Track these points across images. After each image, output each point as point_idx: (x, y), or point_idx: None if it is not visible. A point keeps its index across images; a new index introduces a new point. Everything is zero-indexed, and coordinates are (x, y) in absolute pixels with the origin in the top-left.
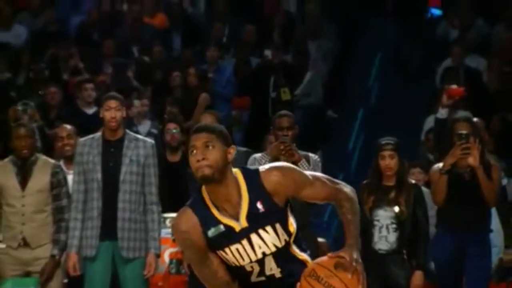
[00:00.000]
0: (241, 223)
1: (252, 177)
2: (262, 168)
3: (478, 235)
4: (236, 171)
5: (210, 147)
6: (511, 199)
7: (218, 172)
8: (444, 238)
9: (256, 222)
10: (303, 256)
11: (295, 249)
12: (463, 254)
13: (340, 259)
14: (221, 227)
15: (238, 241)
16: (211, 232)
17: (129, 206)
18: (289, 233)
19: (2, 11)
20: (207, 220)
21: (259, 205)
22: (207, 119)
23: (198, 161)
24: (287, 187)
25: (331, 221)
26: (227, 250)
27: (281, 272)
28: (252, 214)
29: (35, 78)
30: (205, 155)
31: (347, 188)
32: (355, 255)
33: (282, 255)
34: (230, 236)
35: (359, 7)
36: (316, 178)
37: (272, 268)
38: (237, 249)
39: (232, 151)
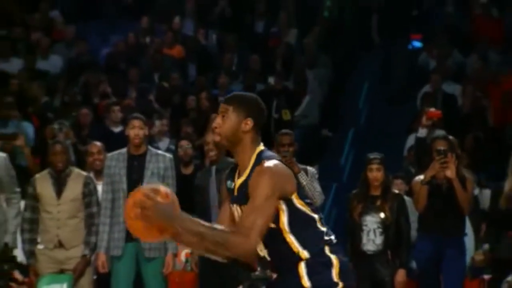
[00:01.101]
0: (235, 191)
1: (258, 160)
2: (267, 159)
3: (455, 239)
4: (258, 148)
5: (225, 117)
6: (482, 207)
7: (226, 140)
8: (424, 241)
9: (238, 197)
10: (298, 249)
11: (291, 238)
12: (441, 255)
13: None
14: (232, 184)
15: (233, 204)
16: (227, 184)
17: None
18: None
19: (41, 43)
20: (231, 173)
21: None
22: (207, 144)
23: (214, 128)
24: (250, 185)
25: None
26: (232, 206)
27: (268, 255)
28: (240, 189)
29: (69, 101)
30: (218, 124)
31: (247, 244)
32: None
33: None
34: (232, 196)
35: (350, 41)
36: (256, 209)
37: (261, 248)
38: (235, 210)
39: (249, 123)
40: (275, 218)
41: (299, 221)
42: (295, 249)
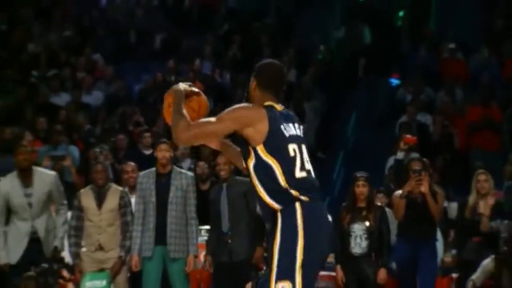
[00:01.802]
0: None
1: None
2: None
3: (428, 243)
4: (266, 103)
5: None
6: (450, 217)
7: (250, 99)
8: (402, 245)
9: None
10: (268, 200)
11: (260, 189)
12: (417, 257)
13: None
14: None
15: None
16: None
17: (175, 220)
18: (246, 163)
19: (85, 81)
20: None
21: None
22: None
23: None
24: None
25: None
26: None
27: (260, 208)
28: None
29: (108, 129)
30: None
31: (182, 133)
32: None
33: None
34: None
35: (340, 79)
36: (211, 120)
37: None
38: None
39: (254, 83)
40: (246, 160)
41: (263, 171)
42: (267, 200)
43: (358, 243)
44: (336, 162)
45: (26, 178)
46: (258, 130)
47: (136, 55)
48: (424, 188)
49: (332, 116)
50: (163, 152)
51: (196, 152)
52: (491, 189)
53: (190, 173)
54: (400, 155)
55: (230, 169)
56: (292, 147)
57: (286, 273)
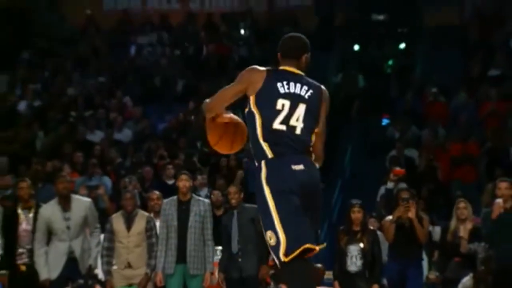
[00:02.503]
0: None
1: None
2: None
3: (414, 262)
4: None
5: None
6: (434, 240)
7: None
8: (392, 264)
9: None
10: (252, 151)
11: (250, 139)
12: (405, 275)
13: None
14: None
15: None
16: None
17: (194, 242)
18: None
19: (116, 120)
20: None
21: None
22: (233, 189)
23: None
24: None
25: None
26: None
27: None
28: None
29: (136, 162)
30: None
31: (205, 103)
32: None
33: None
34: None
35: (337, 118)
36: (225, 87)
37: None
38: None
39: (278, 55)
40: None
41: (249, 121)
42: (253, 152)
43: (354, 262)
44: (334, 190)
45: (65, 204)
46: (254, 84)
47: (160, 98)
48: (411, 214)
49: (331, 150)
50: (184, 182)
51: (212, 182)
52: (470, 216)
53: (207, 201)
54: (390, 185)
55: (240, 197)
56: (281, 102)
57: (268, 226)
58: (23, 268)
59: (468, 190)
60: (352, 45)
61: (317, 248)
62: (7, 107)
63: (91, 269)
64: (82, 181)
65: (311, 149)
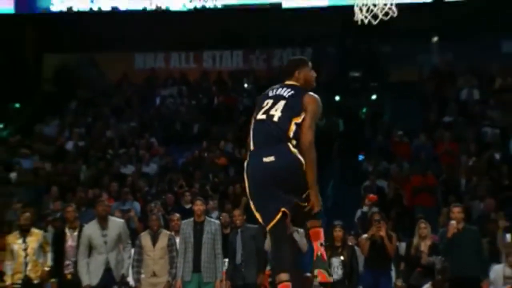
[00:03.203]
0: None
1: None
2: None
3: (385, 273)
4: None
5: None
6: (401, 254)
7: None
8: (367, 274)
9: None
10: None
11: None
12: (377, 282)
13: None
14: None
15: None
16: None
17: (207, 255)
18: None
19: (145, 157)
20: None
21: None
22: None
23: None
24: None
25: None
26: None
27: None
28: None
29: (160, 190)
30: None
31: None
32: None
33: None
34: None
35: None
36: None
37: None
38: None
39: None
40: None
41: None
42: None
43: (336, 272)
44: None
45: (103, 224)
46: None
47: (180, 139)
48: (382, 233)
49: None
50: (198, 206)
51: (221, 206)
52: (429, 234)
53: (217, 221)
54: (365, 209)
55: (243, 219)
56: (267, 101)
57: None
58: (69, 276)
59: (427, 213)
60: (334, 96)
61: (287, 211)
62: (58, 146)
63: (123, 277)
64: (117, 205)
65: (291, 135)
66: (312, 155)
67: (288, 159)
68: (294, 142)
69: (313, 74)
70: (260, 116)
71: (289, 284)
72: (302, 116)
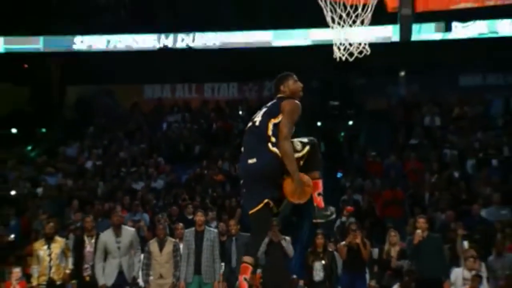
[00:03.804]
0: None
1: None
2: None
3: (361, 274)
4: None
5: None
6: (374, 258)
7: None
8: (345, 276)
9: None
10: None
11: None
12: (354, 283)
13: None
14: None
15: None
16: None
17: (206, 259)
18: None
19: (153, 174)
20: None
21: None
22: (232, 225)
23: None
24: None
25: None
26: None
27: None
28: None
29: (166, 203)
30: None
31: None
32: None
33: None
34: None
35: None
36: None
37: None
38: None
39: None
40: None
41: None
42: None
43: (318, 274)
44: (304, 224)
45: (117, 232)
46: None
47: (183, 159)
48: (358, 240)
49: (296, 214)
50: (199, 217)
51: (219, 217)
52: (398, 241)
53: (216, 230)
54: (343, 219)
55: (237, 228)
56: (256, 114)
57: None
58: (87, 278)
59: (396, 223)
60: (316, 122)
61: (270, 202)
62: (78, 165)
63: (134, 279)
64: (129, 216)
65: (270, 133)
66: (286, 147)
67: (267, 159)
68: (273, 139)
69: (298, 84)
70: (249, 124)
71: (249, 266)
72: (280, 117)
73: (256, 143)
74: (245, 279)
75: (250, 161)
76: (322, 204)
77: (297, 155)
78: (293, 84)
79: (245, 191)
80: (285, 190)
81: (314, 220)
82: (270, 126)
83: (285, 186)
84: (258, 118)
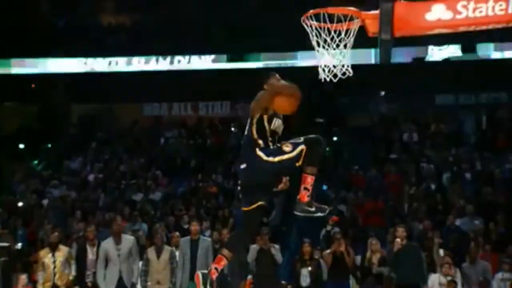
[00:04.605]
0: None
1: None
2: None
3: (345, 280)
4: None
5: None
6: (357, 264)
7: None
8: (330, 282)
9: None
10: None
11: None
12: None
13: None
14: None
15: None
16: None
17: (200, 266)
18: None
19: (151, 186)
20: None
21: None
22: (224, 234)
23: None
24: None
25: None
26: None
27: None
28: None
29: (164, 213)
30: None
31: None
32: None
33: None
34: None
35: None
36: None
37: None
38: None
39: None
40: None
41: None
42: None
43: (305, 280)
44: (291, 232)
45: (117, 240)
46: None
47: (180, 172)
48: (342, 248)
49: (289, 206)
50: (194, 227)
51: (213, 227)
52: (379, 249)
53: (209, 239)
54: (329, 228)
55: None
56: None
57: None
58: (89, 284)
59: (378, 232)
60: None
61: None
62: (81, 178)
63: (133, 285)
64: (129, 226)
65: (256, 137)
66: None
67: (255, 164)
68: (260, 142)
69: (281, 82)
70: None
71: (224, 259)
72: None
73: (246, 149)
74: (216, 268)
75: (242, 166)
76: (305, 199)
77: (286, 156)
78: (276, 82)
79: (240, 193)
80: (275, 107)
81: (294, 211)
82: (254, 130)
83: (274, 103)
84: (247, 127)
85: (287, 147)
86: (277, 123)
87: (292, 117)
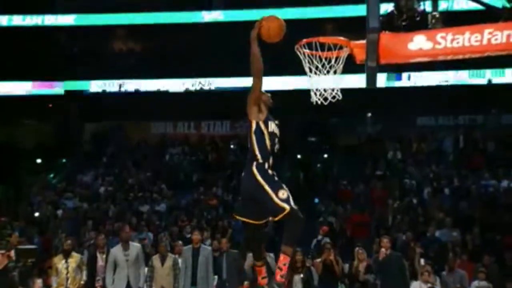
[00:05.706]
0: None
1: None
2: None
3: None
4: None
5: None
6: (345, 272)
7: None
8: None
9: None
10: None
11: None
12: None
13: None
14: None
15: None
16: None
17: (201, 273)
18: None
19: (157, 199)
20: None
21: None
22: (223, 243)
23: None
24: None
25: None
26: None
27: None
28: None
29: (168, 223)
30: None
31: None
32: None
33: None
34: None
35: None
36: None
37: None
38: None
39: None
40: None
41: None
42: None
43: (297, 286)
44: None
45: (125, 246)
46: None
47: (183, 185)
48: (332, 257)
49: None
50: (196, 236)
51: (213, 236)
52: (365, 258)
53: (210, 248)
54: (319, 238)
55: (228, 246)
56: None
57: None
58: None
59: (364, 242)
60: (296, 155)
61: (254, 221)
62: (93, 191)
63: None
64: (136, 235)
65: (257, 153)
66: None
67: (249, 174)
68: (259, 157)
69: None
70: None
71: (262, 267)
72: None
73: (247, 161)
74: (263, 277)
75: (242, 174)
76: (278, 278)
77: (275, 199)
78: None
79: (241, 200)
80: (261, 36)
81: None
82: (254, 143)
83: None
84: (248, 138)
85: (282, 194)
86: (272, 125)
87: (286, 137)
